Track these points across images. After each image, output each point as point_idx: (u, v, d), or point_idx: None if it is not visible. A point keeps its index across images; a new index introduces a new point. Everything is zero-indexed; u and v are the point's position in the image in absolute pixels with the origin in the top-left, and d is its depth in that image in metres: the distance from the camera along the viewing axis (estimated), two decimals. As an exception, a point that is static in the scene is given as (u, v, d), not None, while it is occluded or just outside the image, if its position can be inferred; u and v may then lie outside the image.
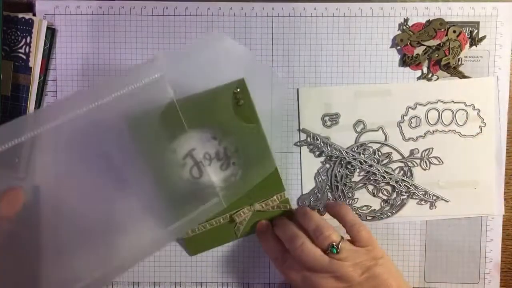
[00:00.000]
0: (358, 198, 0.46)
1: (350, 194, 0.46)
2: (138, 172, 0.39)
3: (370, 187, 0.46)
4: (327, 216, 0.46)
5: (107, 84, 0.38)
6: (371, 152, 0.46)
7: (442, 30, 0.44)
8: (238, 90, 0.41)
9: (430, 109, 0.45)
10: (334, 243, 0.39)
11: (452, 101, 0.45)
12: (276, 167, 0.45)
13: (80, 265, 0.38)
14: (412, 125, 0.46)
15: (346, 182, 0.46)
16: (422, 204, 0.46)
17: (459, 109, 0.45)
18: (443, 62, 0.45)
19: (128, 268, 0.45)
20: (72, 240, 0.38)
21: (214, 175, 0.41)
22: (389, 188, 0.46)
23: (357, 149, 0.46)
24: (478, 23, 0.45)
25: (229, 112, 0.41)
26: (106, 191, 0.39)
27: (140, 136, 0.39)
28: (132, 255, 0.40)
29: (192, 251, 0.46)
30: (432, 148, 0.46)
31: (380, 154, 0.46)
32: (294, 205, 0.46)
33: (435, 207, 0.46)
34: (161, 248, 0.46)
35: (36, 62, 0.44)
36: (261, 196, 0.45)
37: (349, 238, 0.42)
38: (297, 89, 0.45)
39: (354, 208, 0.46)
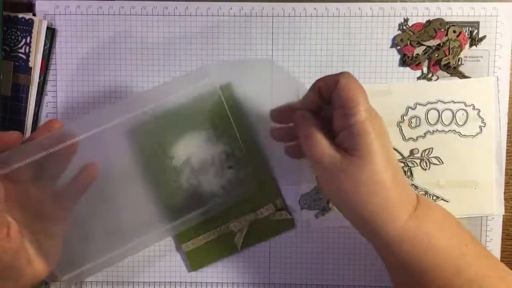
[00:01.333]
0: (358, 198, 0.46)
1: (350, 194, 0.46)
2: (135, 180, 0.41)
3: (370, 187, 0.46)
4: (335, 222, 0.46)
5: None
6: (371, 152, 0.46)
7: (442, 30, 0.44)
8: (223, 95, 0.42)
9: (430, 109, 0.45)
10: None
11: (452, 101, 0.45)
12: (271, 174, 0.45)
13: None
14: (412, 125, 0.45)
15: (346, 182, 0.46)
16: (422, 204, 0.46)
17: (459, 109, 0.45)
18: (443, 62, 0.45)
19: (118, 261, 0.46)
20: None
21: (211, 183, 0.42)
22: (389, 188, 0.46)
23: (357, 149, 0.46)
24: (478, 23, 0.45)
25: (221, 114, 0.42)
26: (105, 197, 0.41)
27: (139, 144, 0.40)
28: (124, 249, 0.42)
29: (194, 266, 0.46)
30: (432, 148, 0.46)
31: (380, 154, 0.46)
32: (296, 208, 0.46)
33: (435, 207, 0.46)
34: (155, 243, 0.46)
35: (36, 62, 0.44)
36: (256, 204, 0.45)
37: None
38: (297, 89, 0.45)
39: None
